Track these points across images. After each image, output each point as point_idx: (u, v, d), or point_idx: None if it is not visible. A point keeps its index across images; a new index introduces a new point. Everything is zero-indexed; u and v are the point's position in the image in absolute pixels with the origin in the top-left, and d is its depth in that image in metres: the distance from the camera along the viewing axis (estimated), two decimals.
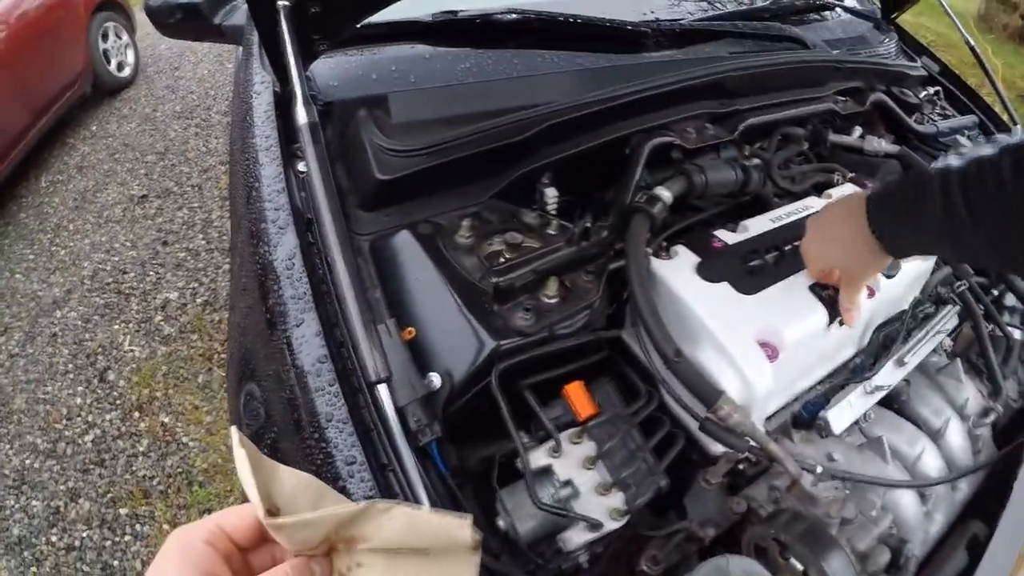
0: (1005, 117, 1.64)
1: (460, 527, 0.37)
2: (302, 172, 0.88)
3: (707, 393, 0.69)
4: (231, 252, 1.28)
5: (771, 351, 0.77)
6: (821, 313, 0.84)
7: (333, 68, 1.04)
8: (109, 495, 1.90)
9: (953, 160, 0.65)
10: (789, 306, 0.84)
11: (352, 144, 0.92)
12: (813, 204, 1.02)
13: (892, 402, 0.99)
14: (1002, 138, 0.66)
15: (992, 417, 1.01)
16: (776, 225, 0.95)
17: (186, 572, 0.34)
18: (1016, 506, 0.86)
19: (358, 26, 1.03)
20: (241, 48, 1.44)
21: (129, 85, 4.21)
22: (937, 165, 0.67)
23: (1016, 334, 1.13)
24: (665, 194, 0.84)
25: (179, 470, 1.97)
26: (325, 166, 0.78)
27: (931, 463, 0.91)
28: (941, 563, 0.83)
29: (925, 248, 0.81)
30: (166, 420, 2.10)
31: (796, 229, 0.96)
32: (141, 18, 1.60)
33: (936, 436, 0.96)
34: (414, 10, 1.09)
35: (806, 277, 0.88)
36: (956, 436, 0.97)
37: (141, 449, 2.02)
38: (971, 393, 1.02)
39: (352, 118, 0.94)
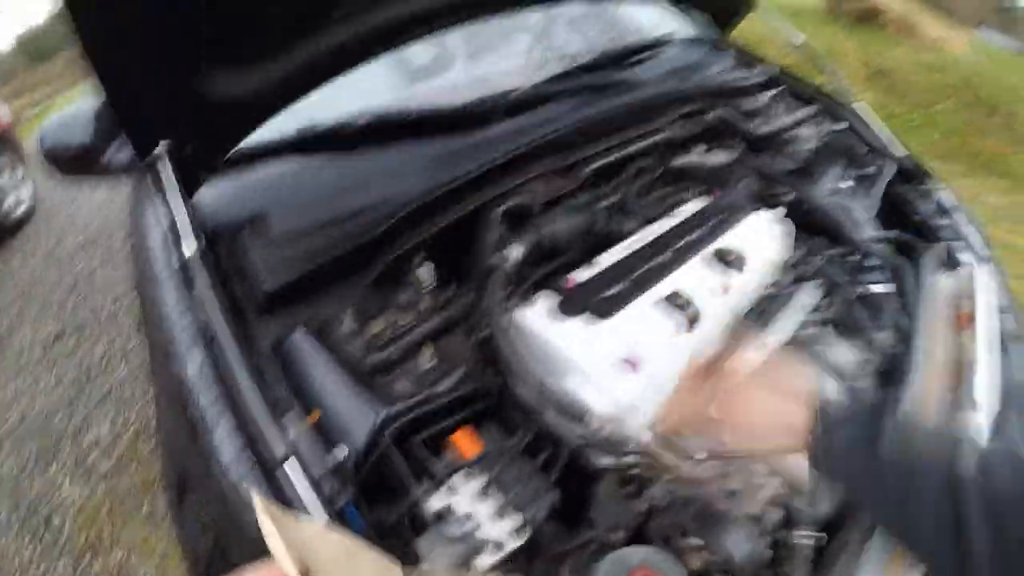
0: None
1: None
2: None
3: (575, 413, 0.80)
4: (150, 376, 1.34)
5: (632, 363, 0.87)
6: (677, 319, 0.95)
7: (217, 194, 1.13)
8: None
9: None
10: (644, 320, 0.95)
11: (242, 261, 1.01)
12: (659, 227, 1.16)
13: None
14: None
15: (871, 367, 1.11)
16: (626, 254, 1.07)
17: None
18: None
19: (232, 154, 1.13)
20: (133, 180, 1.52)
21: (28, 220, 4.12)
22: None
23: (880, 289, 1.23)
24: (515, 251, 0.96)
25: None
26: (214, 289, 0.88)
27: None
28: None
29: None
30: (119, 557, 2.05)
31: (643, 255, 1.07)
32: (32, 147, 1.65)
33: None
34: (283, 125, 1.20)
35: (657, 294, 1.00)
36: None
37: None
38: (845, 353, 1.12)
39: (239, 237, 1.04)
